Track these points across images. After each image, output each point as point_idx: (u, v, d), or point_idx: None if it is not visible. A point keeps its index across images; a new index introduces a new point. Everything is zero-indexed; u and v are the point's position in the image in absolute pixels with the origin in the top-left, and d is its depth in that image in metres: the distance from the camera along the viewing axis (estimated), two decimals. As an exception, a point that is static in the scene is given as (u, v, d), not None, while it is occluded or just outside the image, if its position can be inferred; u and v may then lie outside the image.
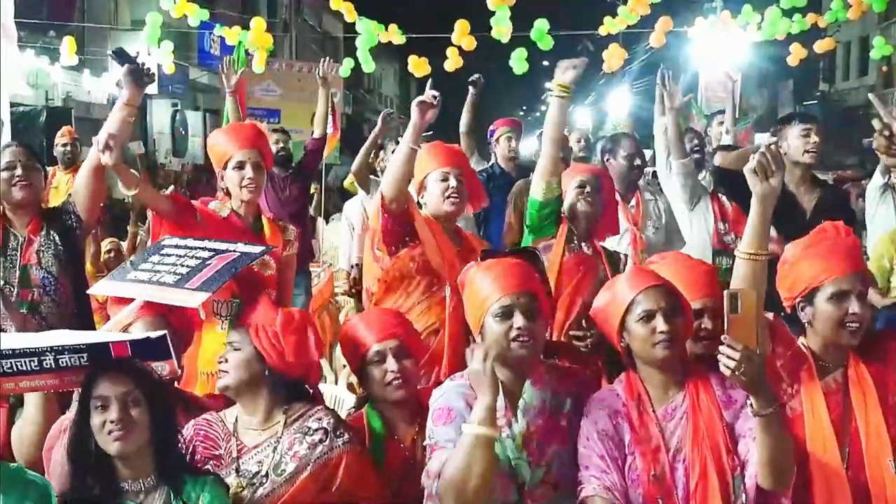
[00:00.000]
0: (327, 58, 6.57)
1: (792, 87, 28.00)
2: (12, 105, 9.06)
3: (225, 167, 3.45)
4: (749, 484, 2.29)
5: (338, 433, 2.50)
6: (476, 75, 5.90)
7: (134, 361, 2.26)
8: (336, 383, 4.58)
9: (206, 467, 2.44)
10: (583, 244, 3.52)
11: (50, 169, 6.56)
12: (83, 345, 2.26)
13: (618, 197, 4.50)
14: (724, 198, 4.88)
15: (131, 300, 2.73)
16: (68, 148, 6.90)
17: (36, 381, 2.28)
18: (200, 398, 2.91)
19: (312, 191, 7.76)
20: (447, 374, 2.97)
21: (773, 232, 2.78)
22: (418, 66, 9.06)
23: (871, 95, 3.78)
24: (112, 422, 2.16)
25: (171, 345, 2.34)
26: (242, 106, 5.96)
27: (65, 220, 3.53)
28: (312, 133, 6.13)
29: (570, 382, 2.57)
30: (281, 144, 5.99)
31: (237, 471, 2.47)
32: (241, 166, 3.42)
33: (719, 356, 2.15)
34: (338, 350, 4.17)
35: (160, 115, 19.55)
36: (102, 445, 2.18)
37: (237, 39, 8.42)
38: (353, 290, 6.43)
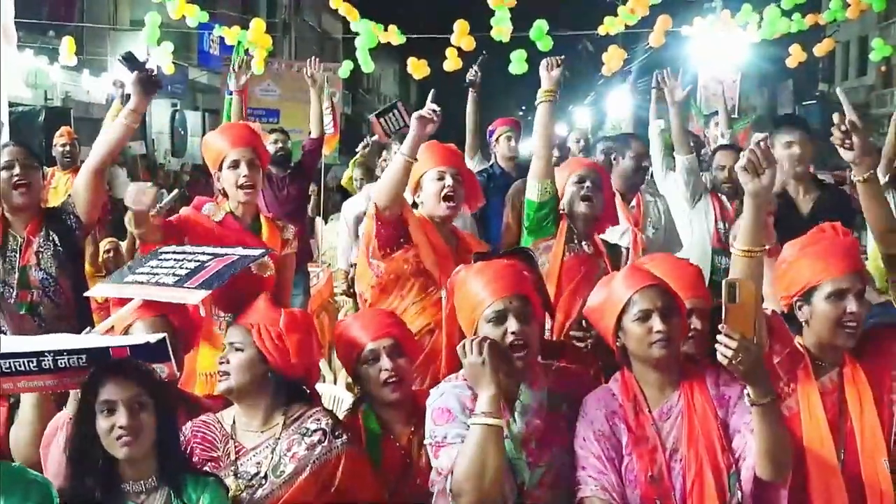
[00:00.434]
0: (313, 57, 6.56)
1: (791, 88, 28.04)
2: (11, 105, 9.06)
3: (220, 168, 3.44)
4: (746, 476, 2.30)
5: (336, 434, 2.50)
6: (473, 71, 5.75)
7: (136, 362, 2.26)
8: (335, 383, 4.58)
9: (204, 469, 2.44)
10: (583, 243, 3.52)
11: (49, 169, 6.56)
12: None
13: (619, 197, 4.53)
14: (724, 197, 4.90)
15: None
16: (67, 148, 6.89)
17: (34, 382, 2.28)
18: (201, 399, 2.91)
19: (311, 191, 7.76)
20: (446, 373, 2.97)
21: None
22: (417, 67, 9.06)
23: (838, 90, 3.77)
24: (121, 427, 2.14)
25: (170, 347, 2.33)
26: (244, 105, 5.97)
27: (64, 221, 3.52)
28: (309, 133, 6.13)
29: (568, 383, 2.58)
30: (280, 144, 6.00)
31: (235, 474, 2.47)
32: (235, 165, 3.40)
33: (717, 345, 2.16)
34: (337, 350, 4.17)
35: (159, 115, 19.57)
36: (109, 449, 2.17)
37: (236, 39, 8.42)
38: (352, 291, 6.42)
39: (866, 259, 3.72)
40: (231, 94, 5.83)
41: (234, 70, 5.77)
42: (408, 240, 3.32)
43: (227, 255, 2.83)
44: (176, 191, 3.83)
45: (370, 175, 6.64)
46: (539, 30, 8.79)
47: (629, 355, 2.46)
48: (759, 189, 2.37)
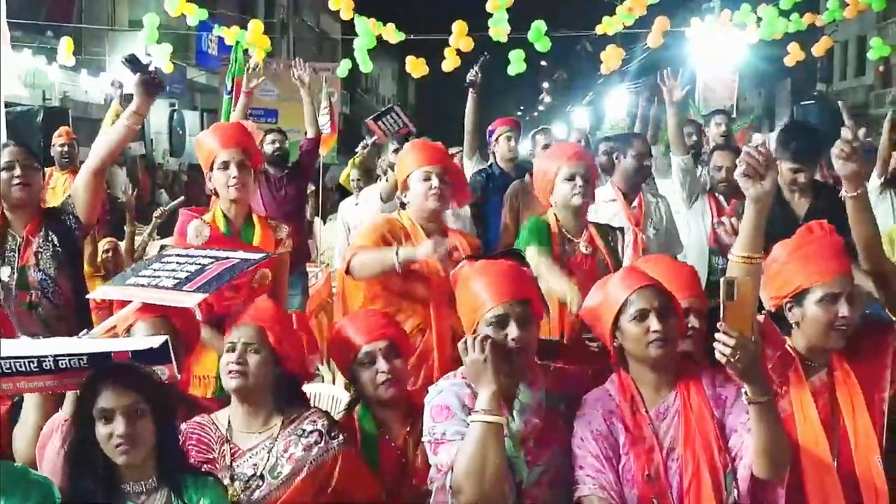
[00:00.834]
0: (299, 59, 6.58)
1: (790, 87, 28.02)
2: (9, 105, 9.05)
3: (211, 168, 3.45)
4: (743, 475, 2.31)
5: (332, 435, 2.51)
6: (473, 72, 5.76)
7: (135, 367, 2.25)
8: (333, 383, 4.58)
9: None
10: (579, 243, 3.51)
11: (47, 170, 6.56)
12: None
13: (621, 196, 4.54)
14: (721, 197, 4.90)
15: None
16: (66, 148, 6.88)
17: (35, 382, 2.27)
18: (200, 400, 2.92)
19: (309, 191, 7.76)
20: (439, 372, 2.97)
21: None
22: (416, 66, 9.08)
23: (840, 103, 3.78)
24: (119, 436, 2.13)
25: (171, 350, 2.33)
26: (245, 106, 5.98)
27: (63, 221, 3.52)
28: (305, 133, 6.13)
29: (566, 383, 2.59)
30: (277, 144, 5.99)
31: (232, 477, 2.47)
32: (225, 166, 3.38)
33: (715, 343, 2.16)
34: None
35: (158, 114, 19.51)
36: (108, 454, 2.16)
37: (235, 40, 8.43)
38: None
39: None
40: (229, 94, 5.84)
41: (248, 73, 5.78)
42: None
43: (227, 258, 2.84)
44: (180, 199, 3.85)
45: (368, 176, 6.64)
46: (537, 30, 8.81)
47: (626, 355, 2.46)
48: (760, 194, 2.37)
